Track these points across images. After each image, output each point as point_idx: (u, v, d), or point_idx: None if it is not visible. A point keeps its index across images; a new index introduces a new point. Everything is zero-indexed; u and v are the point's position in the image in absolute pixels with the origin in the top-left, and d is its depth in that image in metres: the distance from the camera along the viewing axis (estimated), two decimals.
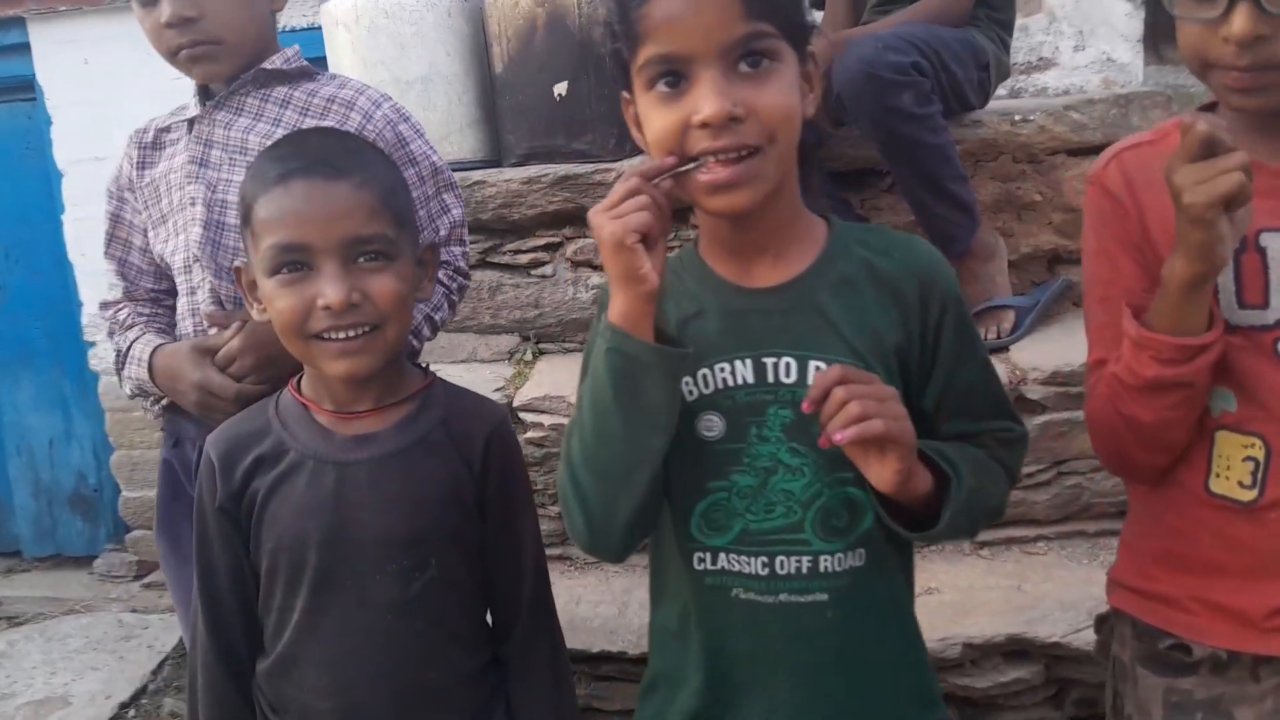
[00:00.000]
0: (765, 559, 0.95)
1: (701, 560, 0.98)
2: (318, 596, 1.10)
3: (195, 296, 1.43)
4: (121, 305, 1.53)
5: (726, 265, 0.98)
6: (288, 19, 3.05)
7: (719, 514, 0.96)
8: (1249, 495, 0.97)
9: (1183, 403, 0.95)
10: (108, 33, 3.13)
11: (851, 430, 0.83)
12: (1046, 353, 1.94)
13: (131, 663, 2.70)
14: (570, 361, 2.31)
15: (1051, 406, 1.85)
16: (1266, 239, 0.95)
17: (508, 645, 1.18)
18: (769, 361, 0.94)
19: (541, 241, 2.36)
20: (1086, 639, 1.58)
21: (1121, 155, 1.04)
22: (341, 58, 2.49)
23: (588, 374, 0.94)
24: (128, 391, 1.48)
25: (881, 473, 0.86)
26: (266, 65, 1.44)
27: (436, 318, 1.48)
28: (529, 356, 2.37)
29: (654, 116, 0.88)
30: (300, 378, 1.16)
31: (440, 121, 2.44)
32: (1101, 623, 1.17)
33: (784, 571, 0.95)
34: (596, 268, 2.34)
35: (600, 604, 1.88)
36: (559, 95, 2.36)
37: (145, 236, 1.51)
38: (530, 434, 2.01)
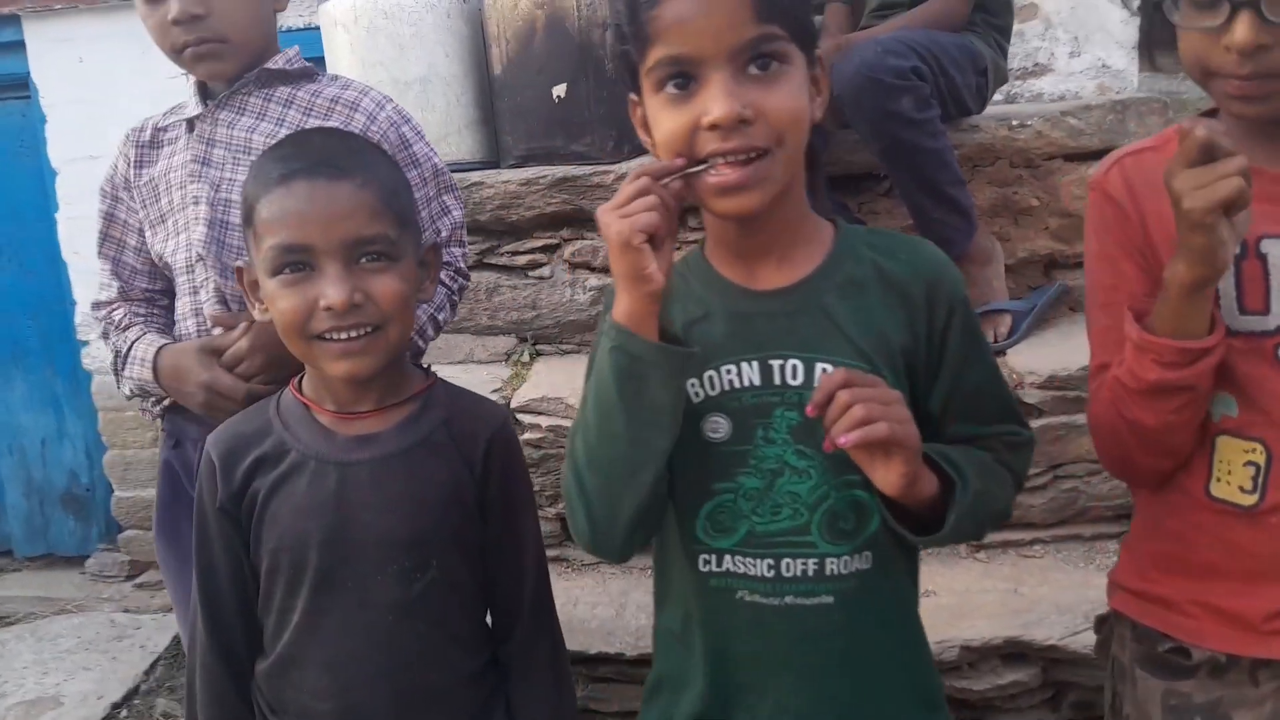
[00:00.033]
0: (771, 561, 0.95)
1: (707, 562, 0.98)
2: (318, 597, 1.09)
3: (198, 296, 1.43)
4: (116, 305, 1.51)
5: (733, 268, 0.98)
6: (283, 19, 3.04)
7: (724, 516, 0.96)
8: (1250, 500, 0.97)
9: (1185, 406, 0.95)
10: (103, 31, 3.12)
11: (855, 434, 0.83)
12: (1043, 357, 1.95)
13: (124, 663, 2.69)
14: (568, 363, 2.31)
15: (1048, 410, 1.86)
16: (1267, 245, 0.96)
17: (508, 646, 1.18)
18: (775, 363, 0.94)
19: (539, 243, 2.36)
20: (1083, 642, 1.59)
21: (1123, 161, 1.05)
22: (340, 58, 2.48)
23: (592, 373, 0.94)
24: (127, 392, 1.47)
25: (887, 476, 0.87)
26: (270, 65, 1.43)
27: (440, 318, 1.48)
28: (526, 358, 2.37)
29: (663, 118, 0.89)
30: (301, 378, 1.16)
31: (439, 122, 2.44)
32: (1101, 623, 1.17)
33: (790, 574, 0.95)
34: (594, 269, 2.34)
35: (598, 605, 1.88)
36: (558, 97, 2.36)
37: (140, 236, 1.50)
38: (528, 435, 2.01)
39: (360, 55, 2.45)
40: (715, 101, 0.84)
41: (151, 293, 1.53)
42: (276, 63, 1.44)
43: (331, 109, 1.44)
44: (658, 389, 0.87)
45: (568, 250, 2.35)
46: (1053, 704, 1.69)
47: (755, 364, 0.94)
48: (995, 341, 2.03)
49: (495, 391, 2.15)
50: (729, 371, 0.95)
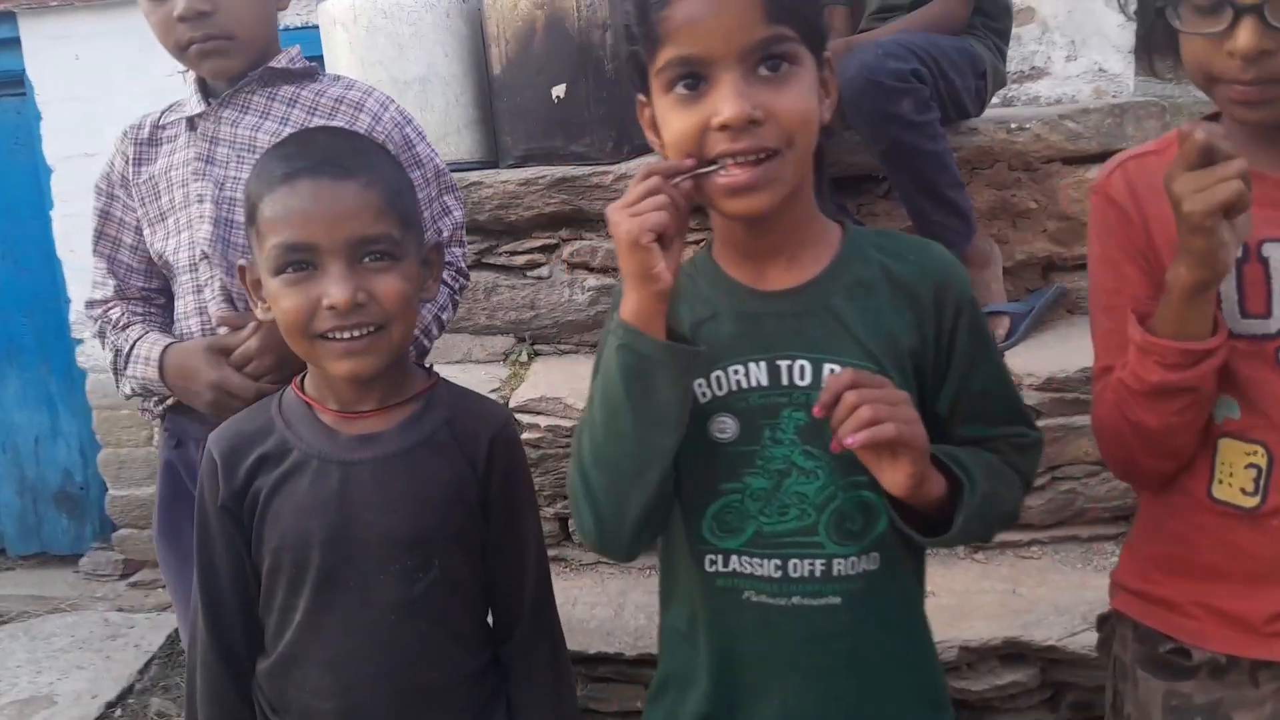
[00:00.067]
0: (778, 561, 0.95)
1: (713, 562, 0.98)
2: (321, 596, 1.09)
3: (202, 295, 1.42)
4: (112, 304, 1.50)
5: (740, 268, 0.98)
6: (281, 18, 3.03)
7: (731, 516, 0.96)
8: (1251, 502, 0.98)
9: (1188, 408, 0.96)
10: (99, 28, 3.11)
11: (863, 434, 0.83)
12: (1041, 359, 1.95)
13: (118, 662, 2.68)
14: (566, 363, 2.31)
15: (1046, 412, 1.87)
16: (1269, 249, 0.96)
17: (509, 646, 1.18)
18: (783, 364, 0.94)
19: (538, 243, 2.36)
20: (1082, 642, 1.60)
21: (1126, 164, 1.05)
22: (339, 57, 2.48)
23: (599, 371, 0.94)
24: (128, 391, 1.46)
25: (894, 477, 0.87)
26: (274, 64, 1.43)
27: (444, 318, 1.48)
28: (524, 358, 2.37)
29: (672, 119, 0.89)
30: (303, 376, 1.16)
31: (438, 122, 2.44)
32: (1103, 621, 1.18)
33: (797, 574, 0.95)
34: (593, 270, 2.34)
35: (596, 605, 1.88)
36: (557, 98, 2.36)
37: (137, 234, 1.49)
38: (526, 435, 2.00)
39: (359, 54, 2.44)
40: (725, 102, 0.84)
41: (148, 291, 1.52)
42: (280, 61, 1.44)
43: (336, 109, 1.44)
44: (665, 388, 0.87)
45: (566, 250, 2.35)
46: (1051, 704, 1.69)
47: (763, 364, 0.94)
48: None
49: (493, 391, 2.15)
50: (736, 372, 0.95)
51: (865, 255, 0.97)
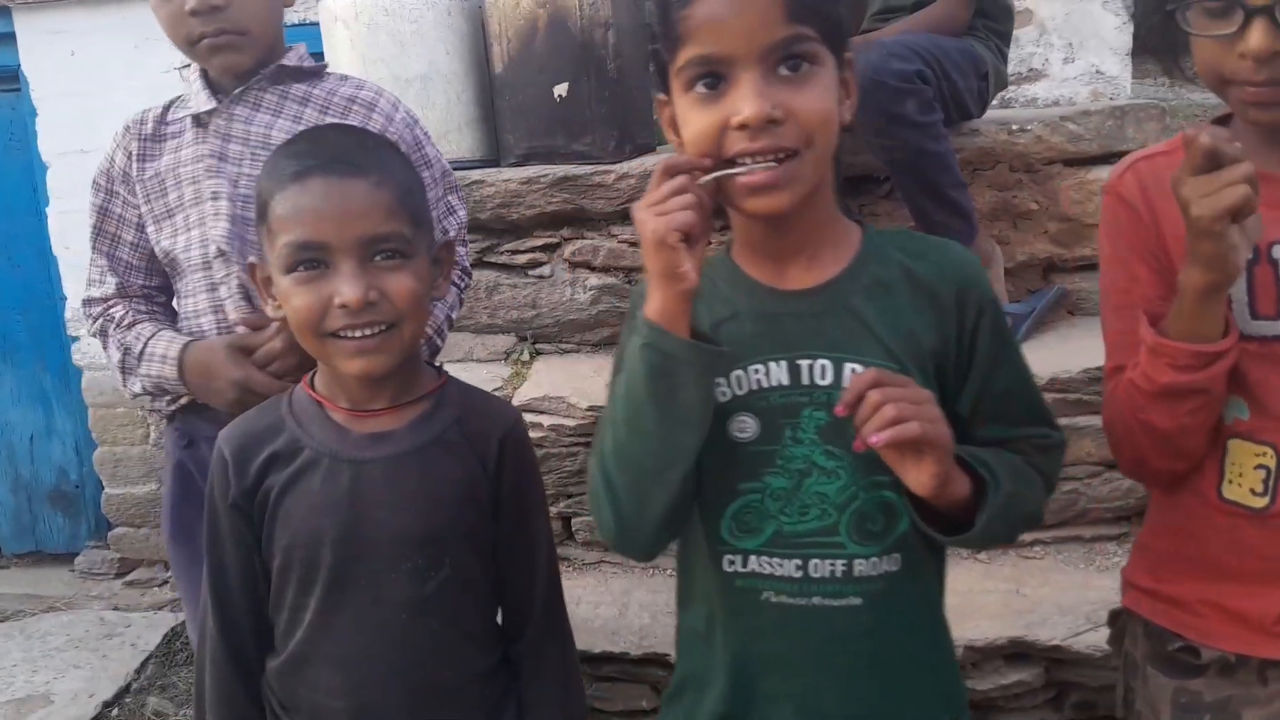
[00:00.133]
0: (799, 562, 0.95)
1: (732, 563, 0.98)
2: (332, 595, 1.09)
3: (217, 292, 1.41)
4: (114, 302, 1.48)
5: (760, 268, 0.98)
6: None
7: (751, 516, 0.96)
8: (1261, 502, 0.99)
9: (1199, 409, 0.96)
10: (95, 24, 3.09)
11: (887, 433, 0.83)
12: (1042, 360, 1.95)
13: (114, 661, 2.67)
14: (567, 362, 2.31)
15: None
16: (1279, 251, 0.97)
17: (519, 645, 1.18)
18: (804, 363, 0.94)
19: (539, 242, 2.36)
20: (1086, 642, 1.60)
21: (1137, 165, 1.06)
22: (340, 55, 2.47)
23: (622, 369, 0.94)
24: (137, 389, 1.44)
25: (919, 476, 0.86)
26: (285, 62, 1.43)
27: (454, 316, 1.48)
28: (526, 357, 2.37)
29: (692, 117, 0.89)
30: (313, 374, 1.15)
31: (439, 120, 2.43)
32: (1115, 618, 1.18)
33: (818, 575, 0.95)
34: (594, 269, 2.34)
35: (600, 605, 1.89)
36: (559, 96, 2.36)
37: (138, 231, 1.47)
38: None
39: (360, 52, 2.43)
40: (745, 101, 0.84)
41: (149, 289, 1.50)
42: (290, 59, 1.43)
43: (349, 108, 1.44)
44: (689, 387, 0.87)
45: (568, 249, 2.34)
46: (1055, 704, 1.70)
47: (783, 364, 0.94)
48: None
49: (496, 390, 2.15)
50: (757, 371, 0.95)
51: (885, 255, 0.97)
